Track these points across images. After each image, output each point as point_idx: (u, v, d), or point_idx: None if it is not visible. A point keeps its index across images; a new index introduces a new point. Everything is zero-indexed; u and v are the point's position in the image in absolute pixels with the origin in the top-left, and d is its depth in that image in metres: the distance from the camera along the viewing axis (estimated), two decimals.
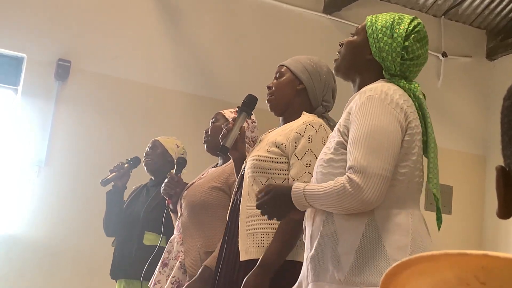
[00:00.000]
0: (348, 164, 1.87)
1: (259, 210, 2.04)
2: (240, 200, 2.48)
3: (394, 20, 2.04)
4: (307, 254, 1.99)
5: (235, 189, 2.60)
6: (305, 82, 2.56)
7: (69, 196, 4.77)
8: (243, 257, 2.38)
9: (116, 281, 3.64)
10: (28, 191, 4.70)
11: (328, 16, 5.86)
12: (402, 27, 2.02)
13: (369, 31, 2.06)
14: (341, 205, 1.86)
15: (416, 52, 2.03)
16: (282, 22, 5.72)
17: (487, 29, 6.52)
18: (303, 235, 2.11)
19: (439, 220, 2.04)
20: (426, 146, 2.00)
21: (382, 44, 2.02)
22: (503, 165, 0.75)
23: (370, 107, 1.90)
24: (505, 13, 6.29)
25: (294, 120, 2.53)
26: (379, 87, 1.94)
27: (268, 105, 2.60)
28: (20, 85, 4.89)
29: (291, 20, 5.75)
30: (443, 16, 6.32)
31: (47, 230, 4.69)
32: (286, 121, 2.58)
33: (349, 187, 1.83)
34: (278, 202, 1.99)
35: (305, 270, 2.00)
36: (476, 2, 6.19)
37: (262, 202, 2.01)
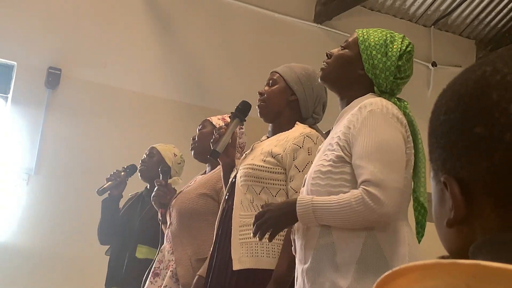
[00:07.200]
0: (363, 178, 1.84)
1: (253, 220, 2.02)
2: (231, 208, 2.44)
3: (386, 38, 2.06)
4: (302, 267, 1.97)
5: (225, 197, 2.55)
6: (298, 93, 2.55)
7: (59, 204, 4.75)
8: (236, 266, 2.34)
9: None
10: (17, 199, 4.68)
11: (319, 26, 5.88)
12: (395, 47, 2.04)
13: (362, 46, 2.06)
14: (357, 218, 1.83)
15: (407, 71, 2.06)
16: (274, 31, 5.74)
17: (476, 39, 6.56)
18: (293, 247, 2.09)
19: (419, 235, 2.02)
20: (417, 161, 2.01)
21: (376, 62, 2.03)
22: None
23: (374, 121, 1.90)
24: (494, 24, 6.33)
25: (284, 129, 2.51)
26: (379, 102, 1.95)
27: (258, 110, 2.58)
28: (10, 93, 4.88)
29: (282, 28, 5.77)
30: (432, 26, 6.36)
31: (37, 238, 4.67)
32: (276, 129, 2.56)
33: (369, 201, 1.81)
34: (276, 220, 1.97)
35: (301, 282, 1.98)
36: (466, 13, 6.23)
37: (259, 223, 1.99)
